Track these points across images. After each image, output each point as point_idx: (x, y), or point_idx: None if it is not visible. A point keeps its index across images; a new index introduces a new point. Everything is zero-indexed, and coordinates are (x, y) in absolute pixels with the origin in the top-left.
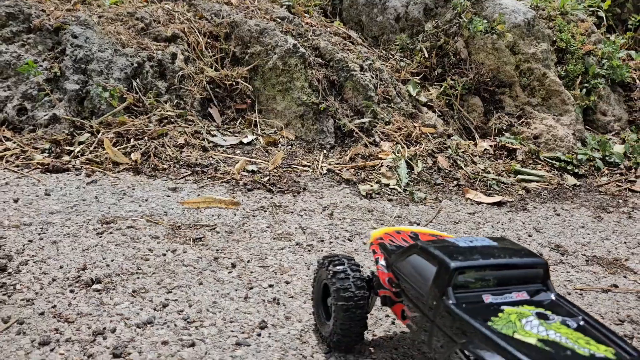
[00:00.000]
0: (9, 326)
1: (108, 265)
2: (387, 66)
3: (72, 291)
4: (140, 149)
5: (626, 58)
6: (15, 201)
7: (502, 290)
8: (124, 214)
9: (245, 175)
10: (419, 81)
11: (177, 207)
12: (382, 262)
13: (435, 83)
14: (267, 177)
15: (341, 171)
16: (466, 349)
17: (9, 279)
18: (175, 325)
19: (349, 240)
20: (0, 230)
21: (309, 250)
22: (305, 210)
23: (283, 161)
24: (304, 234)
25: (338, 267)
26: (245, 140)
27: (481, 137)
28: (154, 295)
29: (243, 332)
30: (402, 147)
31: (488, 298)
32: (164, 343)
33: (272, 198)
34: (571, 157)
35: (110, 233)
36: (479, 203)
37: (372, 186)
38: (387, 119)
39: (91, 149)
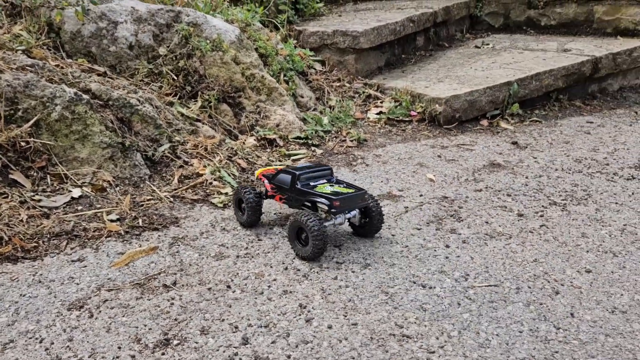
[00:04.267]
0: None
1: (150, 329)
2: (151, 93)
3: (163, 355)
4: None
5: (299, 53)
6: None
7: (317, 180)
8: (80, 296)
9: (118, 225)
10: (179, 101)
11: (110, 270)
12: (266, 182)
13: (192, 100)
14: (137, 220)
15: (184, 195)
16: (307, 200)
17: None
18: (274, 325)
19: (255, 237)
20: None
21: (252, 256)
22: (202, 233)
23: (130, 203)
24: (228, 248)
25: (247, 190)
26: (75, 195)
27: (242, 135)
28: (227, 326)
29: (288, 311)
30: (209, 160)
31: (312, 183)
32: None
33: (165, 234)
34: (305, 134)
35: (102, 312)
36: None
37: (220, 198)
38: (182, 140)
39: None
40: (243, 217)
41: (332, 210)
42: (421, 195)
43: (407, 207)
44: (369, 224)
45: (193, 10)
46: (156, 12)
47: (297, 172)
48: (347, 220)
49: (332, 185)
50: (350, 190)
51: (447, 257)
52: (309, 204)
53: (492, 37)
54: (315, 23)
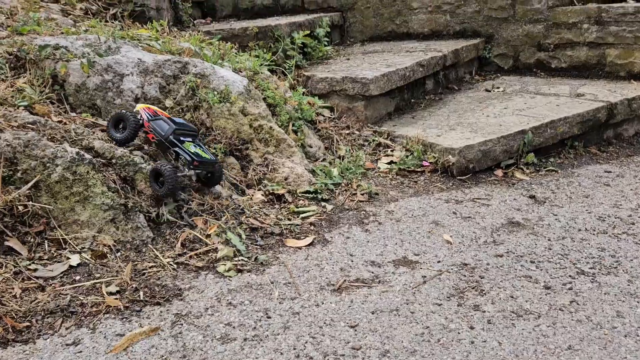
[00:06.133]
0: None
1: None
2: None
3: None
4: None
5: (308, 101)
6: None
7: (186, 137)
8: None
9: (118, 299)
10: None
11: (107, 356)
12: (146, 119)
13: None
14: (138, 292)
15: (189, 262)
16: (174, 150)
17: None
18: None
19: (264, 313)
20: None
21: (260, 339)
22: (207, 309)
23: (131, 271)
24: (235, 328)
25: (130, 113)
26: (73, 263)
27: (249, 189)
28: None
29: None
30: (215, 220)
31: (182, 139)
32: None
33: (167, 310)
34: (314, 188)
35: None
36: (299, 248)
37: (226, 265)
38: (186, 199)
39: None
40: (118, 135)
41: (191, 167)
42: (439, 262)
43: (425, 277)
44: (210, 179)
45: (200, 61)
46: (163, 63)
47: (176, 127)
48: (196, 174)
49: (196, 147)
50: (207, 157)
51: (472, 342)
52: (173, 154)
53: (501, 79)
54: (323, 68)
